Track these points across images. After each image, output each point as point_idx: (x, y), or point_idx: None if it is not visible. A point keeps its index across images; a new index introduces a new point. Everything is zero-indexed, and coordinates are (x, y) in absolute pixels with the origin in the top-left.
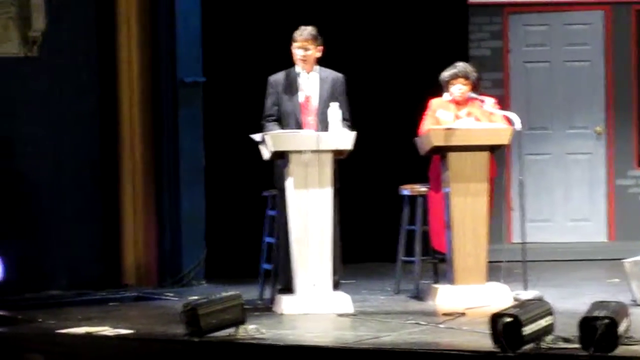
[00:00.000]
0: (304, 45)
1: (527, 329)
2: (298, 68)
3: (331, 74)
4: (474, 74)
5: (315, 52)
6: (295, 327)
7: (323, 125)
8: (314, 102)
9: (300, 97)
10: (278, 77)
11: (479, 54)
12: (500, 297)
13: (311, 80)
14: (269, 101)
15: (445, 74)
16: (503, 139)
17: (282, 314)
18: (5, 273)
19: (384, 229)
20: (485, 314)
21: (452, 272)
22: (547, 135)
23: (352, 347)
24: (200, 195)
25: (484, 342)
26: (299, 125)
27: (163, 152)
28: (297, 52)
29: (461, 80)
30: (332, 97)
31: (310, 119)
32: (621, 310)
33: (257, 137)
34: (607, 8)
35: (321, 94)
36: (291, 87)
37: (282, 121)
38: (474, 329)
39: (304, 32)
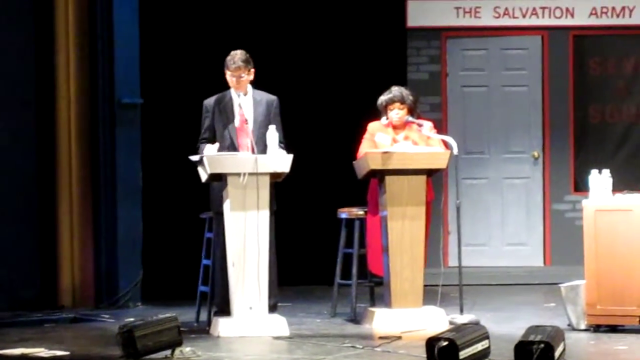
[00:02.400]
0: (237, 73)
1: (463, 353)
2: (232, 91)
3: (265, 96)
4: (409, 98)
5: (248, 76)
6: (232, 350)
7: (259, 147)
8: (249, 125)
9: (236, 120)
10: (212, 101)
11: (417, 78)
12: (436, 320)
13: (245, 103)
14: (204, 124)
15: (382, 99)
16: (440, 163)
17: (218, 337)
18: None
19: (321, 252)
20: (422, 338)
21: (389, 295)
22: (484, 160)
23: None
24: (137, 216)
25: None
26: (235, 148)
27: (100, 173)
28: (231, 80)
29: (397, 104)
30: (267, 119)
31: (247, 141)
32: (557, 334)
33: (195, 158)
34: (544, 33)
35: (255, 116)
36: (226, 110)
37: (219, 144)
38: (410, 352)
39: (236, 59)
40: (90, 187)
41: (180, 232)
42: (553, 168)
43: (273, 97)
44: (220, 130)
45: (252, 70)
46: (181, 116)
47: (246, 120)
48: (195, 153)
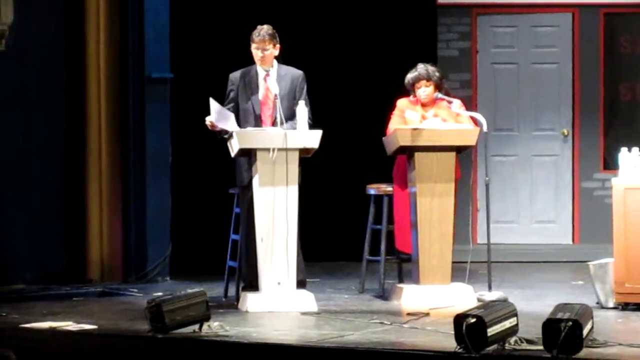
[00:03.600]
0: (262, 45)
1: (491, 330)
2: (257, 66)
3: (290, 71)
4: (436, 75)
5: (274, 50)
6: (260, 325)
7: (281, 121)
8: (273, 98)
9: (260, 93)
10: (237, 75)
11: (447, 55)
12: (464, 297)
13: (270, 78)
14: (228, 96)
15: (409, 77)
16: (470, 140)
17: (246, 312)
18: None
19: (350, 228)
20: (450, 315)
21: (417, 272)
22: (514, 137)
23: (315, 346)
24: (166, 191)
25: (448, 342)
26: (258, 122)
27: (130, 148)
28: (256, 53)
29: (424, 82)
30: (291, 94)
31: (270, 115)
32: (585, 312)
33: (214, 104)
34: (575, 10)
35: (280, 91)
36: (251, 84)
37: (241, 118)
38: (437, 329)
39: (261, 33)
40: (119, 162)
41: (209, 206)
42: (582, 146)
43: (299, 72)
44: (244, 103)
45: (278, 45)
46: (211, 91)
47: (269, 95)
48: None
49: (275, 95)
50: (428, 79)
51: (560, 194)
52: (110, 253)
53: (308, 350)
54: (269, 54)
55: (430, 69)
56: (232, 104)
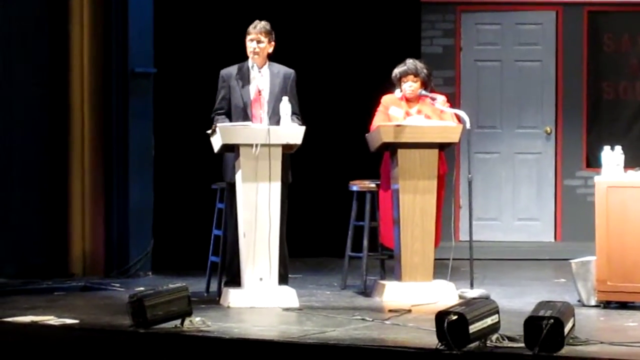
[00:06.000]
0: (258, 37)
1: (473, 327)
2: (250, 62)
3: (282, 69)
4: (424, 71)
5: (268, 46)
6: (242, 321)
7: (273, 119)
8: (265, 97)
9: (252, 91)
10: (230, 71)
11: (431, 52)
12: (446, 294)
13: (263, 75)
14: (219, 94)
15: (396, 71)
16: (453, 137)
17: (228, 307)
18: None
19: (333, 224)
20: (432, 311)
21: (399, 268)
22: (497, 134)
23: (297, 342)
24: (148, 186)
25: (430, 339)
26: (248, 119)
27: (113, 142)
28: (250, 45)
29: (411, 77)
30: (283, 92)
31: (261, 112)
32: (567, 310)
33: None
34: (559, 9)
35: (272, 88)
36: (243, 80)
37: (232, 114)
38: (419, 326)
39: (258, 25)
40: (102, 156)
41: (191, 202)
42: (565, 144)
43: (290, 71)
44: (235, 101)
45: (273, 43)
46: (194, 86)
47: (261, 92)
48: (210, 124)
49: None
50: (416, 74)
51: (543, 191)
52: (92, 248)
53: (290, 346)
54: (264, 48)
55: (419, 65)
56: (225, 101)
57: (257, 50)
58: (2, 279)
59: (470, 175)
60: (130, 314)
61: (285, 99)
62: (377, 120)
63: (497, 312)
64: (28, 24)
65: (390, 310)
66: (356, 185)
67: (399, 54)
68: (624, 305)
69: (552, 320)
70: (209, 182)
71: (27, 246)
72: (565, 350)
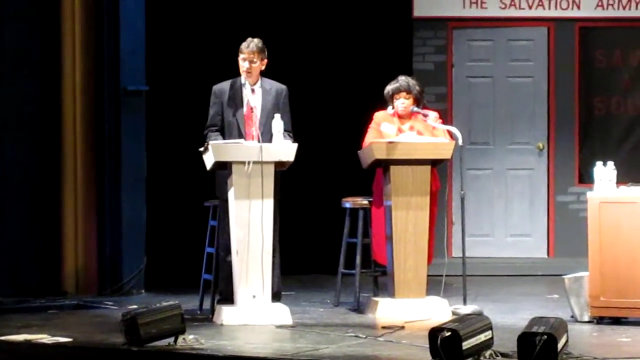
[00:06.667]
0: (250, 57)
1: (466, 344)
2: (243, 79)
3: (275, 86)
4: (416, 88)
5: (261, 64)
6: (235, 338)
7: (266, 136)
8: (257, 114)
9: (244, 108)
10: (222, 87)
11: (423, 68)
12: (439, 311)
13: (255, 92)
14: (212, 111)
15: (389, 88)
16: (445, 153)
17: (221, 325)
18: None
19: (326, 241)
20: (425, 328)
21: (392, 285)
22: (489, 151)
23: (290, 359)
24: (141, 203)
25: (423, 355)
26: (241, 136)
27: (105, 160)
28: (243, 65)
29: (403, 94)
30: (276, 109)
31: (253, 130)
32: (560, 326)
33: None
34: (550, 24)
35: (264, 105)
36: (235, 97)
37: (225, 131)
38: (413, 342)
39: (251, 45)
40: (94, 174)
41: (184, 219)
42: (558, 159)
43: (283, 87)
44: (228, 118)
45: (265, 60)
46: (186, 104)
47: (253, 109)
48: (203, 141)
49: (252, 109)
50: (408, 91)
51: (536, 207)
52: (85, 265)
53: None
54: (256, 67)
55: (412, 82)
56: (218, 117)
57: (250, 69)
58: None
59: (462, 192)
60: (124, 332)
61: (277, 116)
62: (370, 137)
63: (491, 328)
64: (20, 42)
65: (383, 327)
66: (349, 202)
67: (391, 70)
68: (617, 321)
69: (545, 336)
70: (201, 200)
71: (20, 264)
72: None
